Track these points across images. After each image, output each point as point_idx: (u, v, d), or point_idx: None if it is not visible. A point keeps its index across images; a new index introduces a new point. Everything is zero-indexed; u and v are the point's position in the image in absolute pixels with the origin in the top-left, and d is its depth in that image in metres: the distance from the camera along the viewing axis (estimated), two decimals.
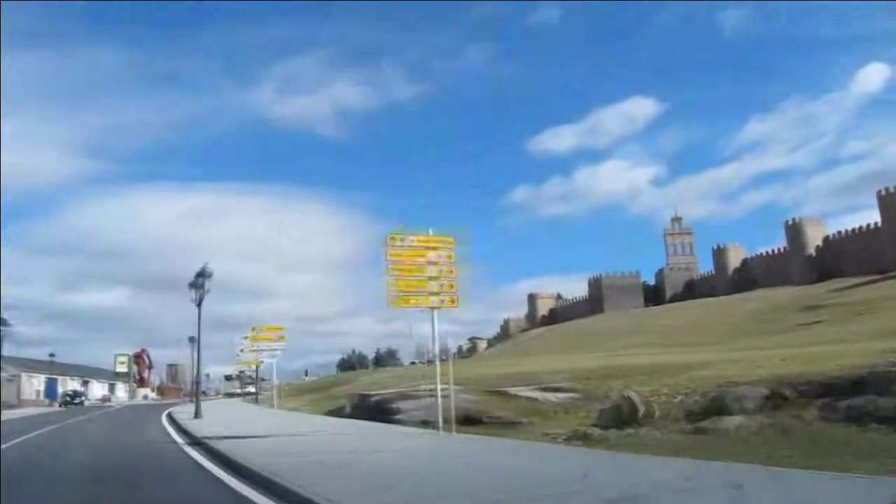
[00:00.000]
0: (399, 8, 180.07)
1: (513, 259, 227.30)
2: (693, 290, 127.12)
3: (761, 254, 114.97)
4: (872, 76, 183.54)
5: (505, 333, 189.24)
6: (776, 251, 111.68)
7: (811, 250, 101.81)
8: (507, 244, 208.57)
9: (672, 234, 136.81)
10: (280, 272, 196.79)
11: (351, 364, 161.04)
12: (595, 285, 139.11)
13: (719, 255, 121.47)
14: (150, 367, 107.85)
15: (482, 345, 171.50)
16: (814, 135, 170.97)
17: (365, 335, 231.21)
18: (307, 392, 54.41)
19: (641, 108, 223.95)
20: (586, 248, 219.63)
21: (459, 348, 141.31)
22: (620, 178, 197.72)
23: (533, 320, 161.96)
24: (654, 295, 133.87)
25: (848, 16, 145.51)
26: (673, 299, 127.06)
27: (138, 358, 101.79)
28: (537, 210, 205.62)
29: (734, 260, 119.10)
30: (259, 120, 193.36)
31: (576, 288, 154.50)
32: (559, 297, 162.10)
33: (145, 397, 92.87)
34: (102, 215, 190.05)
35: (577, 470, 7.10)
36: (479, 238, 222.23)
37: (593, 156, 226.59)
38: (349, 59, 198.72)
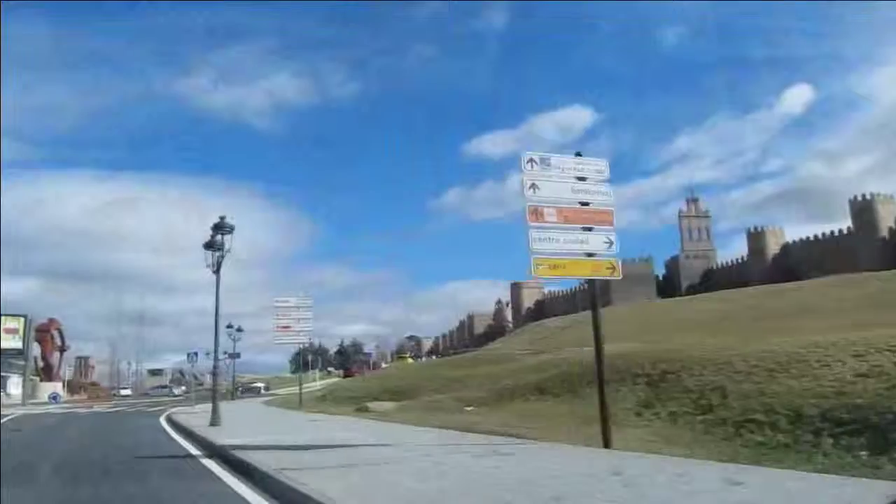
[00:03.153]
0: (343, 4, 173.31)
1: (439, 261, 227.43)
2: (712, 280, 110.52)
3: (808, 238, 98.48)
4: (796, 97, 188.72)
5: (469, 330, 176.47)
6: (831, 234, 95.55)
7: (884, 232, 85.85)
8: (436, 246, 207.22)
9: (688, 217, 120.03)
10: (200, 267, 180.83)
11: (305, 361, 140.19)
12: None
13: (755, 238, 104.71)
14: (62, 348, 73.72)
15: (427, 343, 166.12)
16: (737, 151, 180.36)
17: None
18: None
19: (579, 117, 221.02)
20: (514, 252, 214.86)
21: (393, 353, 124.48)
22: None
23: (518, 313, 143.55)
24: (664, 287, 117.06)
25: (778, 38, 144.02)
26: (689, 291, 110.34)
27: (43, 333, 67.75)
28: (468, 213, 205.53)
29: (773, 245, 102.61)
30: (190, 108, 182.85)
31: (500, 293, 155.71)
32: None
33: (54, 398, 55.61)
34: (10, 201, 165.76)
35: None
36: (404, 239, 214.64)
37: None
38: (289, 52, 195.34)
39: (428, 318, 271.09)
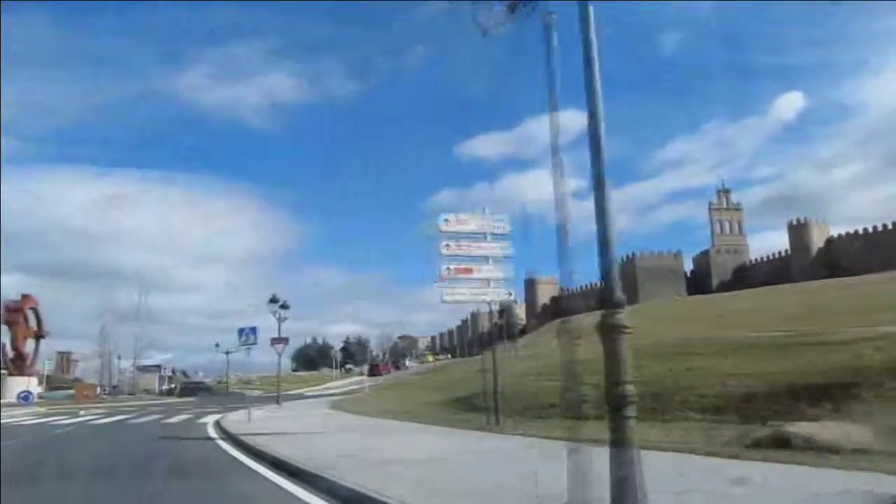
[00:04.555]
0: (344, 4, 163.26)
1: (430, 262, 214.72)
2: (747, 276, 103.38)
3: (856, 232, 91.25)
4: (789, 104, 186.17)
5: (474, 329, 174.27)
6: (884, 227, 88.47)
7: None
8: (427, 247, 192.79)
9: (718, 210, 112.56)
10: (195, 265, 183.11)
11: (308, 359, 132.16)
12: (623, 268, 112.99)
13: (798, 231, 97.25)
14: (39, 334, 56.01)
15: (423, 341, 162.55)
16: (730, 156, 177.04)
17: (274, 332, 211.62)
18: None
19: (573, 120, 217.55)
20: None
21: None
22: (543, 188, 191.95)
23: (533, 310, 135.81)
24: (692, 283, 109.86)
25: (775, 45, 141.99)
26: (721, 288, 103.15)
27: (14, 313, 52.85)
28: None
29: (816, 239, 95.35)
30: (187, 106, 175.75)
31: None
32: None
33: (25, 398, 33.38)
34: (4, 196, 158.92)
35: None
36: (395, 240, 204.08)
37: (521, 164, 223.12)
38: (290, 50, 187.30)
39: (418, 318, 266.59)
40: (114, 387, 55.59)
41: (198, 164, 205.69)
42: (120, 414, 24.22)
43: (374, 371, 60.63)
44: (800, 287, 64.95)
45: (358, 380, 58.25)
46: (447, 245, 11.45)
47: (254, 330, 18.33)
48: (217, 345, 55.68)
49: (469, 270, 11.44)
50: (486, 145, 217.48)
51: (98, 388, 53.11)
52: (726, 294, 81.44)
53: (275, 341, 23.67)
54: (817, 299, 54.06)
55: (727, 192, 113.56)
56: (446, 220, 11.63)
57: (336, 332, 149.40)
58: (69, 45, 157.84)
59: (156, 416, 21.79)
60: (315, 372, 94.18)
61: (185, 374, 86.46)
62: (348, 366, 73.27)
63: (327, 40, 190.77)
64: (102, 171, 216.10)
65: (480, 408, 14.77)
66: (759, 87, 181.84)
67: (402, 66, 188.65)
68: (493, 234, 11.97)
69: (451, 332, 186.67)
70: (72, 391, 52.76)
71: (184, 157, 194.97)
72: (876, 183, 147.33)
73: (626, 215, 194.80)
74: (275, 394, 49.08)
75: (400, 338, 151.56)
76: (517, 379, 17.47)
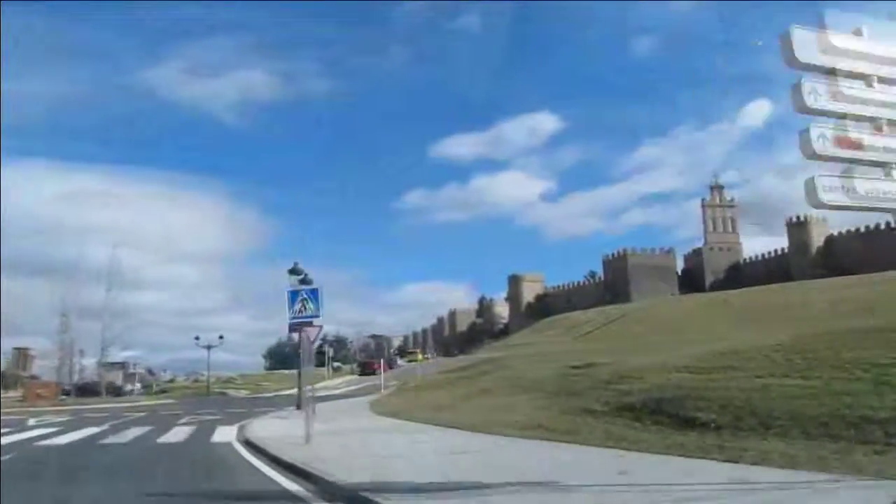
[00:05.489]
0: (323, 2, 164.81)
1: (399, 262, 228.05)
2: (742, 274, 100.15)
3: (857, 230, 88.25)
4: (756, 111, 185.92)
5: (451, 328, 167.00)
6: (887, 225, 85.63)
7: None
8: (396, 247, 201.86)
9: (712, 206, 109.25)
10: (163, 262, 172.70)
11: (283, 357, 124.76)
12: (614, 266, 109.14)
13: (798, 230, 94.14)
14: None
15: (396, 342, 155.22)
16: (698, 161, 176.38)
17: (238, 331, 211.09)
18: None
19: (546, 122, 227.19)
20: (477, 255, 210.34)
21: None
22: (514, 190, 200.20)
23: (517, 308, 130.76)
24: (685, 281, 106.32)
25: (744, 53, 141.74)
26: (715, 287, 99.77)
27: None
28: (431, 215, 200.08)
29: (816, 237, 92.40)
30: (158, 101, 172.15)
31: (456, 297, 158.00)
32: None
33: None
34: None
35: None
36: (365, 239, 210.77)
37: (493, 166, 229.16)
38: (265, 47, 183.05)
39: (387, 319, 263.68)
40: (80, 387, 46.16)
41: (168, 161, 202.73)
42: (88, 425, 17.71)
43: (366, 369, 54.44)
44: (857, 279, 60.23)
45: (352, 379, 52.26)
46: (819, 89, 5.09)
47: (315, 294, 12.31)
48: (197, 337, 49.67)
49: (859, 145, 5.25)
50: (459, 146, 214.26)
51: (58, 388, 43.69)
52: (773, 286, 75.79)
53: (298, 328, 17.83)
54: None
55: (721, 188, 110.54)
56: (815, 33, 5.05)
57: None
58: (41, 38, 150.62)
59: (143, 429, 15.50)
60: (295, 371, 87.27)
61: (150, 371, 78.79)
62: (335, 364, 67.26)
63: (303, 38, 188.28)
64: (66, 165, 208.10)
65: (688, 422, 9.22)
66: (729, 95, 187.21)
67: (378, 65, 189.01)
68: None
69: (424, 332, 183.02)
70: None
71: (154, 153, 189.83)
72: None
73: (596, 218, 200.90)
74: (264, 394, 43.18)
75: (371, 337, 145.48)
76: (705, 376, 11.96)
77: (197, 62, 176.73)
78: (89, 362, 49.07)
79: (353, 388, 38.76)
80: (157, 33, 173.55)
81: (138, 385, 62.60)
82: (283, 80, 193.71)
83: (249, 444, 10.93)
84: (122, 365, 63.43)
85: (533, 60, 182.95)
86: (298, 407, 19.54)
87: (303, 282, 19.10)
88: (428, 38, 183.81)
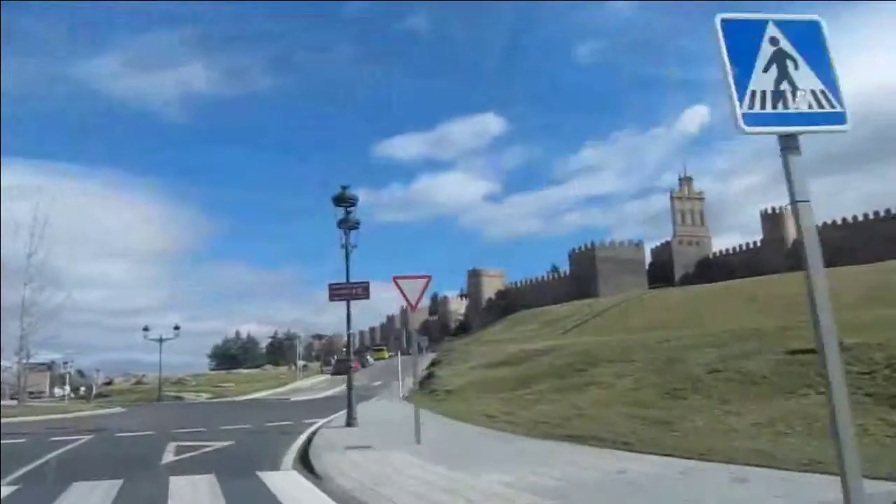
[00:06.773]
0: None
1: (342, 260, 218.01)
2: (710, 269, 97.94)
3: (833, 223, 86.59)
4: (694, 117, 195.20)
5: (403, 324, 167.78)
6: (865, 217, 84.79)
7: None
8: (336, 246, 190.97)
9: (680, 198, 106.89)
10: (94, 260, 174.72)
11: (230, 356, 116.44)
12: (582, 259, 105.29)
13: (773, 221, 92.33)
14: None
15: (339, 341, 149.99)
16: (637, 165, 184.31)
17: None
18: None
19: (490, 124, 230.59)
20: (423, 254, 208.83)
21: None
22: (458, 191, 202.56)
23: (477, 304, 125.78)
24: (652, 275, 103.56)
25: (686, 60, 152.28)
26: (685, 281, 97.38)
27: None
28: (374, 215, 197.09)
29: (791, 230, 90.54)
30: (96, 95, 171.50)
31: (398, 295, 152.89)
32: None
33: None
34: None
35: None
36: (304, 239, 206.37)
37: (437, 166, 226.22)
38: (211, 42, 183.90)
39: (328, 319, 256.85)
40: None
41: (103, 156, 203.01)
42: None
43: (341, 368, 47.78)
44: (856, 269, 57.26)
45: (325, 379, 45.80)
46: None
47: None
48: (146, 328, 42.53)
49: None
50: (402, 146, 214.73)
51: None
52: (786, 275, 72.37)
53: (343, 291, 11.65)
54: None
55: (689, 179, 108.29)
56: None
57: (243, 332, 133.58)
58: None
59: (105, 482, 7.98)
60: (258, 370, 79.74)
61: (80, 373, 69.30)
62: (302, 362, 60.47)
63: (252, 32, 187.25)
64: None
65: None
66: (669, 100, 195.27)
67: (323, 63, 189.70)
68: None
69: (372, 330, 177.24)
70: None
71: (89, 148, 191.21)
72: (768, 195, 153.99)
73: (538, 220, 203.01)
74: (227, 398, 35.55)
75: (314, 337, 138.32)
76: None
77: (136, 56, 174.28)
78: (8, 364, 40.45)
79: (339, 388, 32.17)
80: (95, 25, 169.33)
81: (67, 388, 53.70)
82: (226, 76, 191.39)
83: None
84: (49, 366, 54.30)
85: (479, 62, 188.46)
86: (354, 419, 13.19)
87: (349, 209, 12.97)
88: (375, 37, 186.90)
